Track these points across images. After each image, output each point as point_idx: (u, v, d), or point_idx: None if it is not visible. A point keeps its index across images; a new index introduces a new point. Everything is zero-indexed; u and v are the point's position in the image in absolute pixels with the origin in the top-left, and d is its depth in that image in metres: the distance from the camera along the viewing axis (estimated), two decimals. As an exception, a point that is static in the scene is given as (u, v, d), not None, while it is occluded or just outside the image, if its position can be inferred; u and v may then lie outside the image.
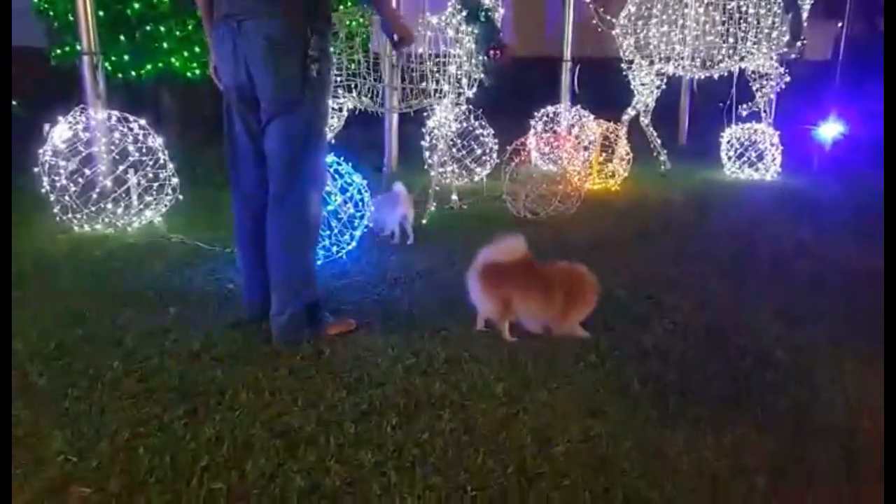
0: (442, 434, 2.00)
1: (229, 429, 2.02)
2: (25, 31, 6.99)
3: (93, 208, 4.19)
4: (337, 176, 3.58)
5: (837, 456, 1.96)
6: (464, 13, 4.40)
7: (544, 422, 2.09)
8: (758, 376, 2.45)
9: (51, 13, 6.99)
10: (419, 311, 2.99)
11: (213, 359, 2.49)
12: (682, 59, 6.23)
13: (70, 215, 4.16)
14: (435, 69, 4.46)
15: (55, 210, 4.15)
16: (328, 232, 3.54)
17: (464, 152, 5.77)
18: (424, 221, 4.58)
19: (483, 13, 4.38)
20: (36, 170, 4.07)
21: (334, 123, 4.34)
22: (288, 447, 1.92)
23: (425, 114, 4.78)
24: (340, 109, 4.33)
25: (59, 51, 7.03)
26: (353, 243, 3.70)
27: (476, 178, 5.89)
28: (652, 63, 6.40)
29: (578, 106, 6.68)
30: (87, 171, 4.14)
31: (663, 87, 6.60)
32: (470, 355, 2.54)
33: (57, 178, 4.07)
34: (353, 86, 4.27)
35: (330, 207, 3.51)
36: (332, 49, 3.99)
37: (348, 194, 3.58)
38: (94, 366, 2.41)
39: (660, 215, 5.02)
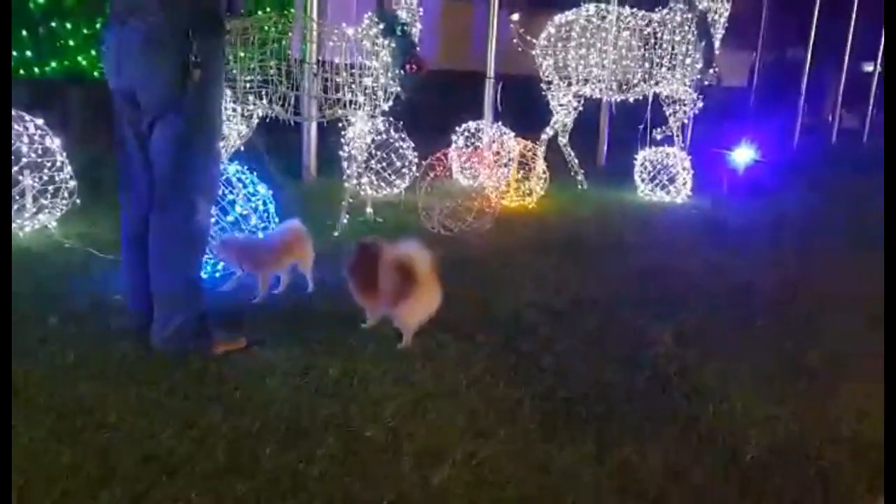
0: (322, 461, 1.94)
1: (94, 451, 1.90)
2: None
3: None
4: (239, 185, 3.47)
5: (722, 474, 2.01)
6: (381, 26, 4.37)
7: (431, 445, 2.06)
8: (652, 394, 2.50)
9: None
10: (317, 327, 2.92)
11: (88, 373, 2.36)
12: (600, 81, 6.38)
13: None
14: (351, 80, 4.42)
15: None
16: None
17: (383, 164, 5.73)
18: (336, 234, 4.51)
19: (400, 27, 4.36)
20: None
21: (243, 130, 4.22)
22: (155, 473, 1.83)
23: (340, 124, 4.72)
24: (250, 116, 4.22)
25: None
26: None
27: (395, 191, 5.85)
28: (570, 84, 6.54)
29: (499, 123, 6.74)
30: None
31: (580, 108, 6.74)
32: (362, 373, 2.50)
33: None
34: (264, 93, 4.17)
35: (230, 218, 3.40)
36: (233, 53, 3.97)
37: (252, 204, 3.48)
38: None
39: (571, 234, 5.10)
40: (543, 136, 6.78)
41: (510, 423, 2.22)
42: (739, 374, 2.70)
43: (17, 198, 4.02)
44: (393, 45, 4.39)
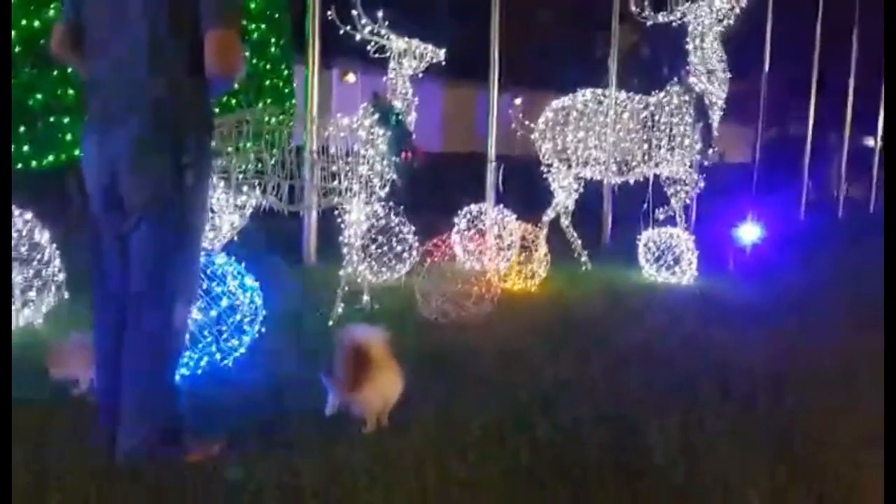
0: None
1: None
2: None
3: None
4: (225, 279, 3.39)
5: None
6: (376, 116, 4.40)
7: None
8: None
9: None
10: (303, 428, 2.76)
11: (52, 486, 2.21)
12: (600, 164, 6.38)
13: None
14: (347, 168, 4.42)
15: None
16: (209, 339, 3.31)
17: (384, 249, 5.67)
18: (330, 323, 4.40)
19: (394, 117, 4.39)
20: None
21: (235, 222, 4.18)
22: None
23: (336, 211, 4.68)
24: (243, 206, 4.19)
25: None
26: (242, 349, 3.48)
27: (395, 276, 5.77)
28: (570, 167, 6.54)
29: (501, 205, 6.72)
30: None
31: (581, 189, 6.72)
32: (348, 482, 2.33)
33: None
34: (257, 183, 4.15)
35: (213, 313, 3.30)
36: (228, 145, 3.98)
37: (237, 300, 3.39)
38: None
39: (572, 317, 4.97)
40: (545, 218, 6.74)
41: None
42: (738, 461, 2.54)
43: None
44: (388, 133, 4.41)
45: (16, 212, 4.01)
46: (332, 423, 2.80)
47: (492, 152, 7.27)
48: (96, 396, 2.63)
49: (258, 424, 2.80)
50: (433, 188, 8.52)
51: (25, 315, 4.01)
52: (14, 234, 3.94)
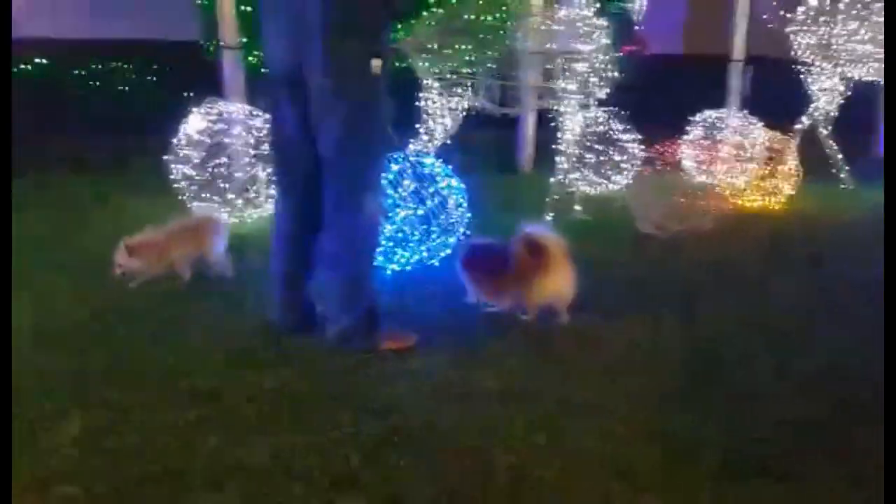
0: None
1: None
2: (188, 26, 7.49)
3: (217, 199, 4.31)
4: (435, 179, 3.39)
5: None
6: (596, 5, 4.02)
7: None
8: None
9: (207, 7, 7.07)
10: (490, 333, 2.73)
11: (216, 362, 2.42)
12: (872, 61, 5.30)
13: (194, 205, 4.32)
14: (564, 67, 4.14)
15: (181, 198, 4.32)
16: (417, 236, 3.36)
17: (601, 158, 5.33)
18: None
19: (617, 4, 3.97)
20: (165, 157, 4.29)
21: (448, 124, 4.15)
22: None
23: (550, 115, 4.45)
24: (456, 109, 4.13)
25: (210, 45, 7.17)
26: (448, 251, 3.51)
27: (613, 188, 5.43)
28: (835, 66, 5.52)
29: (746, 111, 5.94)
30: (217, 162, 4.27)
31: (847, 93, 5.68)
32: (517, 389, 2.25)
33: (185, 167, 4.25)
34: (469, 84, 4.06)
35: (420, 211, 3.33)
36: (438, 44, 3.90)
37: (444, 199, 3.38)
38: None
39: (818, 243, 4.28)
40: (797, 127, 5.85)
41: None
42: None
43: (248, 189, 4.37)
44: (609, 24, 4.01)
45: (260, 113, 4.32)
46: (521, 331, 2.72)
47: (740, 51, 6.41)
48: (273, 278, 2.69)
49: (450, 322, 2.81)
50: (663, 94, 7.80)
51: (268, 209, 4.37)
52: (254, 133, 4.31)
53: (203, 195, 4.26)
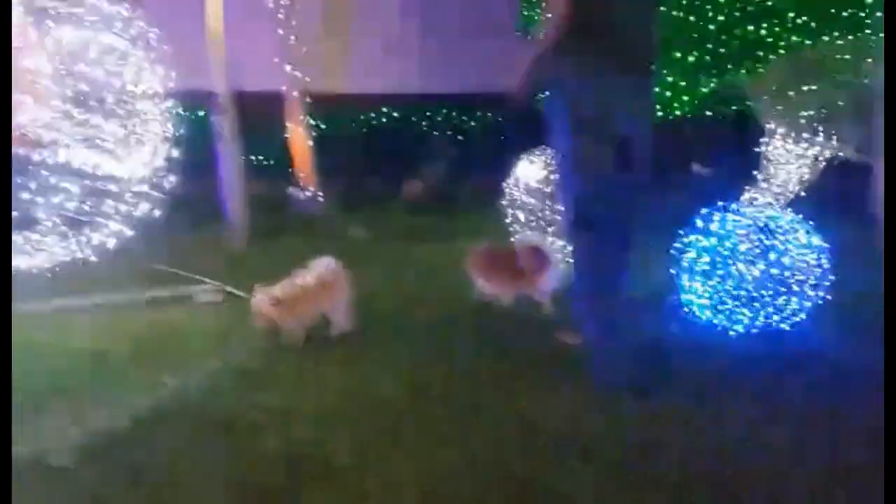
0: None
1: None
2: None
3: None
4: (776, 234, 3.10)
5: None
6: None
7: None
8: None
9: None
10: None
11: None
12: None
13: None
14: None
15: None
16: (766, 297, 3.08)
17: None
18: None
19: None
20: (503, 202, 4.45)
21: (804, 174, 3.72)
22: None
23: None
24: (813, 158, 3.70)
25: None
26: (802, 314, 3.16)
27: None
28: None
29: None
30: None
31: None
32: None
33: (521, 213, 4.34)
34: (825, 128, 3.66)
35: (760, 266, 3.05)
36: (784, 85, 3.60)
37: (799, 259, 3.06)
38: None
39: None
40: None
41: None
42: None
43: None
44: None
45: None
46: None
47: None
48: None
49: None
50: None
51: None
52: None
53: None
